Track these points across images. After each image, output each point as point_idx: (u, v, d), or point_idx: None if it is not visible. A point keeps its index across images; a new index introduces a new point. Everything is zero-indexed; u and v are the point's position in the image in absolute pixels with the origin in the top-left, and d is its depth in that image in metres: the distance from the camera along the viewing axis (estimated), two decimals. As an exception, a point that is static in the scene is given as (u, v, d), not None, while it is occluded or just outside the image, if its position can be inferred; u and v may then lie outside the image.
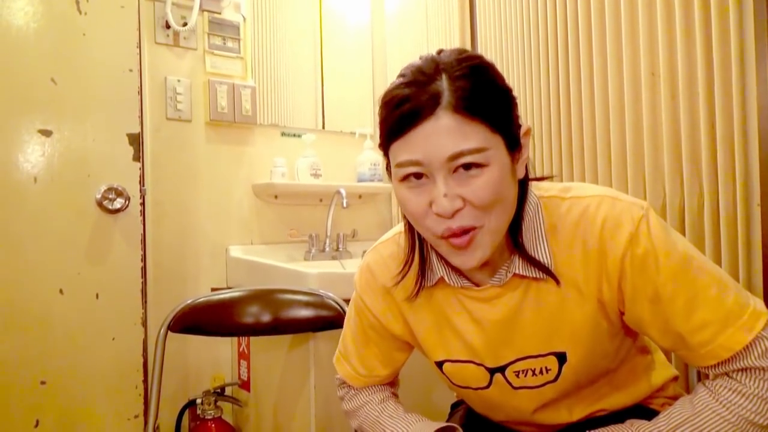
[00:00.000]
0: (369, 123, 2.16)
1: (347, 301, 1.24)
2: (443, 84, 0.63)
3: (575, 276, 0.72)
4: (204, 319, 1.25)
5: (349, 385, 0.93)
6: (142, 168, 1.52)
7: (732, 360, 0.67)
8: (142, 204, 1.53)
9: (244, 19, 1.94)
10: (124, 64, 1.49)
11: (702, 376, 0.77)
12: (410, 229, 0.78)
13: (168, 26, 1.77)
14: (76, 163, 1.43)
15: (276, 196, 1.98)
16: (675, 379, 0.88)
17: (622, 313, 0.73)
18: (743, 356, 0.67)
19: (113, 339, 1.47)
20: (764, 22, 1.11)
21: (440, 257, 0.75)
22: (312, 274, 1.41)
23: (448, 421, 1.01)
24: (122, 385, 1.49)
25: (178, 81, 1.80)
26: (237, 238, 1.91)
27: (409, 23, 2.16)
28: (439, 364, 0.83)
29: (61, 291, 1.42)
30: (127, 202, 1.47)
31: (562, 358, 0.75)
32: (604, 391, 0.81)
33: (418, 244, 0.78)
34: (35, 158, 1.40)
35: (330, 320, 1.25)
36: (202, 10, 1.83)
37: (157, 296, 1.73)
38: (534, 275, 0.72)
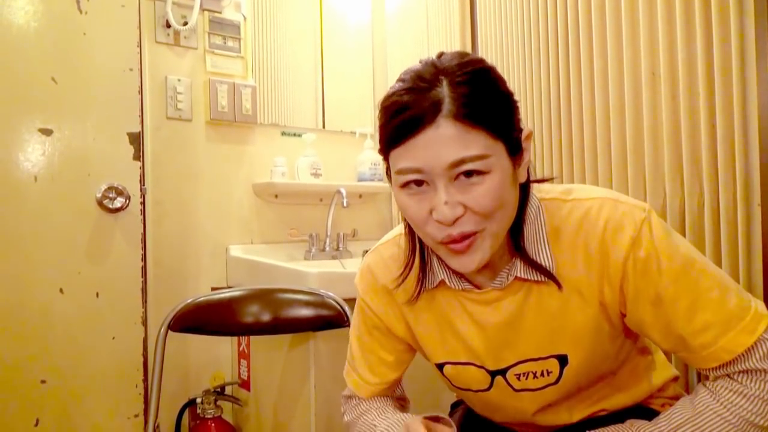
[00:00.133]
0: (369, 122, 2.16)
1: (347, 300, 1.25)
2: (444, 90, 0.62)
3: (577, 279, 0.71)
4: (204, 319, 1.25)
5: (353, 398, 0.91)
6: (143, 167, 1.52)
7: (733, 362, 0.67)
8: (143, 203, 1.53)
9: (245, 18, 1.94)
10: (124, 63, 1.49)
11: (702, 377, 0.77)
12: (410, 231, 0.78)
13: (168, 25, 1.77)
14: (76, 162, 1.43)
15: (276, 196, 1.98)
16: (675, 379, 0.88)
17: (623, 315, 0.73)
18: (745, 358, 0.67)
19: (113, 338, 1.47)
20: (765, 22, 1.11)
21: (441, 260, 0.75)
22: (312, 273, 1.41)
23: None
24: (122, 384, 1.49)
25: (179, 80, 1.80)
26: (237, 238, 1.91)
27: (410, 23, 2.16)
28: (440, 366, 0.83)
29: (61, 290, 1.42)
30: (127, 201, 1.47)
31: (563, 360, 0.75)
32: (604, 392, 0.81)
33: (418, 247, 0.78)
34: (36, 157, 1.40)
35: (330, 320, 1.25)
36: (202, 9, 1.83)
37: (157, 295, 1.73)
38: (535, 278, 0.72)
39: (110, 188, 1.45)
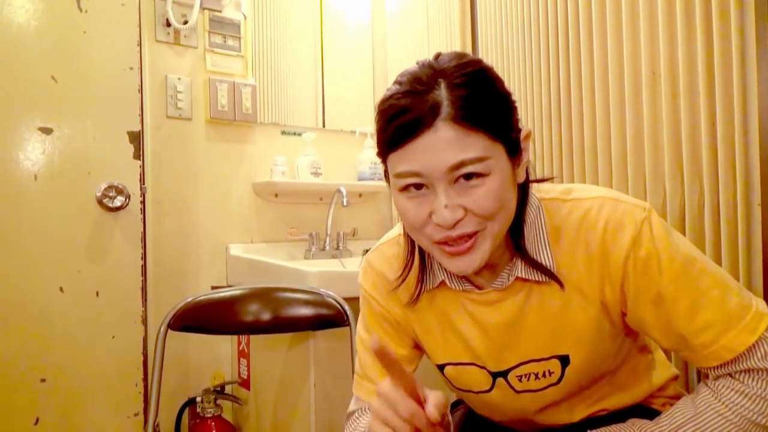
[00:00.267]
0: (369, 121, 2.16)
1: (347, 299, 1.25)
2: (442, 93, 0.61)
3: (578, 279, 0.71)
4: (204, 318, 1.25)
5: (353, 413, 0.87)
6: (143, 166, 1.52)
7: (735, 361, 0.67)
8: (143, 202, 1.53)
9: (245, 17, 1.94)
10: (124, 62, 1.49)
11: (702, 376, 0.77)
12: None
13: (168, 24, 1.77)
14: (76, 160, 1.43)
15: (276, 195, 1.98)
16: (675, 378, 0.88)
17: (624, 314, 0.73)
18: (746, 358, 0.67)
19: (113, 337, 1.47)
20: (765, 21, 1.11)
21: None
22: (312, 272, 1.41)
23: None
24: (122, 383, 1.49)
25: (179, 79, 1.80)
26: (237, 237, 1.91)
27: (410, 21, 2.16)
28: (441, 367, 0.83)
29: (61, 289, 1.42)
30: (127, 200, 1.47)
31: (565, 360, 0.75)
32: (604, 391, 0.81)
33: (418, 248, 0.78)
34: (35, 156, 1.39)
35: (330, 319, 1.25)
36: (202, 8, 1.83)
37: (157, 294, 1.73)
38: (536, 278, 0.72)
39: (110, 187, 1.45)
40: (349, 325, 1.22)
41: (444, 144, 0.61)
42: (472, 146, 0.61)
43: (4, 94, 1.36)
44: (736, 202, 1.15)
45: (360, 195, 2.14)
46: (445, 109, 0.61)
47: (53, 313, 1.40)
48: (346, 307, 1.24)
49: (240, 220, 1.92)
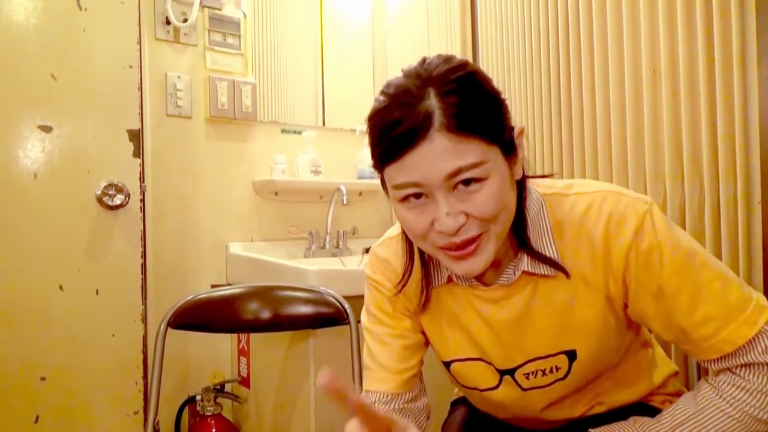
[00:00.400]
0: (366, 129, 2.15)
1: (347, 298, 1.25)
2: (432, 102, 0.60)
3: (584, 272, 0.71)
4: (204, 316, 1.25)
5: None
6: (142, 164, 1.52)
7: (735, 354, 0.68)
8: (142, 200, 1.53)
9: (245, 15, 1.93)
10: (124, 60, 1.49)
11: (702, 371, 0.77)
12: (407, 239, 0.77)
13: (168, 22, 1.77)
14: (76, 159, 1.43)
15: (276, 193, 1.98)
16: (675, 374, 0.89)
17: (625, 307, 0.73)
18: (746, 351, 0.67)
19: (113, 335, 1.47)
20: (766, 19, 1.11)
21: None
22: (312, 270, 1.41)
23: (447, 419, 1.02)
24: (122, 381, 1.49)
25: (179, 77, 1.79)
26: (237, 235, 1.91)
27: (410, 20, 2.15)
28: (447, 364, 0.83)
29: (61, 287, 1.41)
30: (127, 198, 1.47)
31: (572, 355, 0.75)
32: (607, 385, 0.82)
33: (417, 253, 0.77)
34: (35, 154, 1.39)
35: (330, 317, 1.25)
36: (202, 6, 1.83)
37: (156, 293, 1.73)
38: (542, 272, 0.72)
39: (110, 185, 1.45)
40: (349, 323, 1.22)
41: (440, 153, 0.60)
42: (468, 153, 0.61)
43: (4, 92, 1.36)
44: (737, 199, 1.15)
45: (360, 193, 2.14)
46: (438, 119, 0.60)
47: (53, 311, 1.40)
48: (346, 306, 1.24)
49: (240, 218, 1.92)
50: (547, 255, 0.71)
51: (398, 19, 2.21)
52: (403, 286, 0.79)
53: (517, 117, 1.68)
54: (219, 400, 1.71)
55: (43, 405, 1.39)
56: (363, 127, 2.30)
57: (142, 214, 1.52)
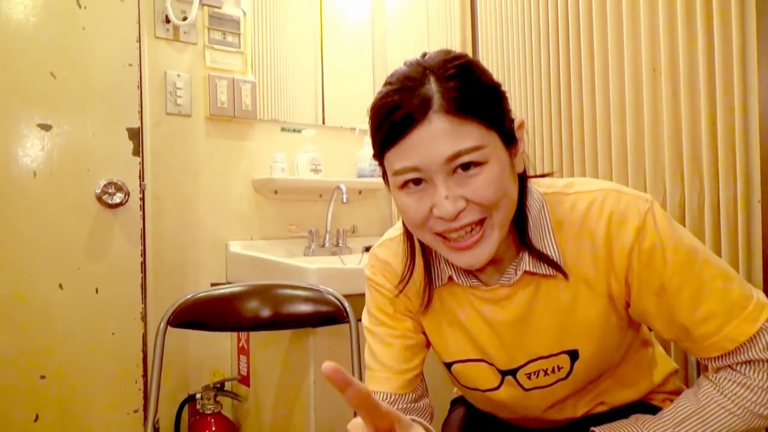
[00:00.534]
0: (368, 121, 2.15)
1: (347, 296, 1.25)
2: (432, 87, 0.62)
3: (585, 272, 0.71)
4: (203, 314, 1.25)
5: None
6: (142, 163, 1.52)
7: (736, 352, 0.68)
8: (142, 199, 1.53)
9: (244, 13, 1.93)
10: (123, 58, 1.49)
11: (702, 368, 0.77)
12: (409, 237, 0.77)
13: (168, 20, 1.77)
14: (75, 157, 1.43)
15: (276, 192, 1.98)
16: (675, 372, 0.89)
17: (627, 305, 0.73)
18: (747, 348, 0.67)
19: (113, 334, 1.47)
20: (766, 18, 1.10)
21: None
22: (311, 269, 1.41)
23: (447, 418, 1.02)
24: (122, 379, 1.49)
25: (178, 76, 1.79)
26: (237, 233, 1.91)
27: (410, 19, 2.15)
28: (448, 365, 0.83)
29: (60, 286, 1.41)
30: (126, 196, 1.47)
31: (574, 355, 0.75)
32: (608, 385, 0.82)
33: (419, 250, 0.77)
34: (35, 152, 1.39)
35: (329, 315, 1.25)
36: (202, 4, 1.83)
37: (156, 291, 1.73)
38: (544, 272, 0.71)
39: (109, 184, 1.45)
40: (348, 321, 1.22)
41: (439, 135, 0.61)
42: (468, 136, 0.61)
43: (3, 90, 1.36)
44: (737, 198, 1.15)
45: (360, 192, 2.14)
46: (437, 101, 0.61)
47: (53, 310, 1.40)
48: (346, 304, 1.24)
49: (240, 216, 1.92)
50: (549, 254, 0.71)
51: (398, 17, 2.21)
52: (405, 286, 0.79)
53: (516, 115, 1.68)
54: (219, 398, 1.71)
55: (43, 403, 1.39)
56: (363, 125, 2.31)
57: (141, 213, 1.52)
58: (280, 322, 1.27)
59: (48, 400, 1.40)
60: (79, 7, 1.43)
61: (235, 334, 1.84)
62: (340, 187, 1.84)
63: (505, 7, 1.73)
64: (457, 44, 1.89)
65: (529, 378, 0.78)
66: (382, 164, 0.69)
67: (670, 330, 0.71)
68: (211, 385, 1.73)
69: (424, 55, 0.67)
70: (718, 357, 0.69)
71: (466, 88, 0.62)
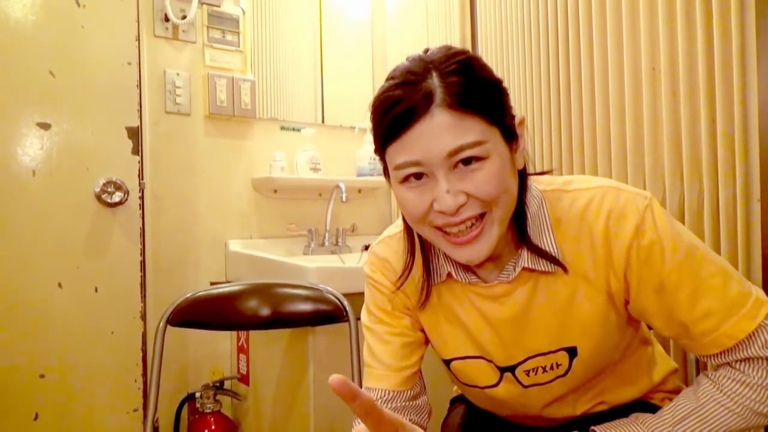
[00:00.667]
0: (368, 117, 2.15)
1: (347, 295, 1.25)
2: (434, 81, 0.62)
3: (584, 269, 0.71)
4: (203, 313, 1.25)
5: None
6: (141, 161, 1.52)
7: (735, 349, 0.68)
8: (141, 198, 1.53)
9: (244, 12, 1.93)
10: (122, 57, 1.48)
11: (701, 366, 0.77)
12: (409, 232, 0.77)
13: (167, 19, 1.77)
14: (74, 156, 1.43)
15: (275, 190, 1.98)
16: (674, 371, 0.89)
17: (626, 303, 0.73)
18: (746, 345, 0.67)
19: (112, 333, 1.47)
20: (766, 17, 1.10)
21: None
22: (311, 268, 1.41)
23: (447, 417, 1.02)
24: (121, 378, 1.49)
25: (177, 74, 1.79)
26: (236, 232, 1.91)
27: (410, 18, 2.15)
28: (447, 362, 0.83)
29: (60, 285, 1.41)
30: (125, 195, 1.47)
31: (572, 352, 0.75)
32: (608, 383, 0.82)
33: (419, 246, 0.77)
34: (34, 151, 1.39)
35: (329, 314, 1.25)
36: (201, 3, 1.83)
37: (156, 290, 1.73)
38: (543, 268, 0.71)
39: (109, 182, 1.45)
40: (348, 320, 1.22)
41: (441, 130, 0.61)
42: (469, 130, 0.62)
43: (2, 89, 1.35)
44: (736, 198, 1.15)
45: (359, 191, 2.14)
46: (439, 95, 0.61)
47: (52, 308, 1.40)
48: (345, 303, 1.24)
49: (239, 215, 1.92)
50: (548, 251, 0.71)
51: (398, 16, 2.21)
52: (404, 281, 0.79)
53: (517, 112, 1.68)
54: (218, 397, 1.71)
55: (43, 402, 1.39)
56: (362, 124, 2.31)
57: (141, 212, 1.52)
58: (280, 321, 1.27)
59: (47, 399, 1.40)
60: (78, 5, 1.43)
61: (234, 333, 1.84)
62: (339, 185, 1.84)
63: (504, 6, 1.73)
64: (456, 43, 1.89)
65: (528, 375, 0.78)
66: (383, 159, 0.69)
67: (669, 327, 0.71)
68: (211, 384, 1.73)
69: (427, 50, 0.67)
70: (717, 354, 0.69)
71: (468, 83, 0.62)
